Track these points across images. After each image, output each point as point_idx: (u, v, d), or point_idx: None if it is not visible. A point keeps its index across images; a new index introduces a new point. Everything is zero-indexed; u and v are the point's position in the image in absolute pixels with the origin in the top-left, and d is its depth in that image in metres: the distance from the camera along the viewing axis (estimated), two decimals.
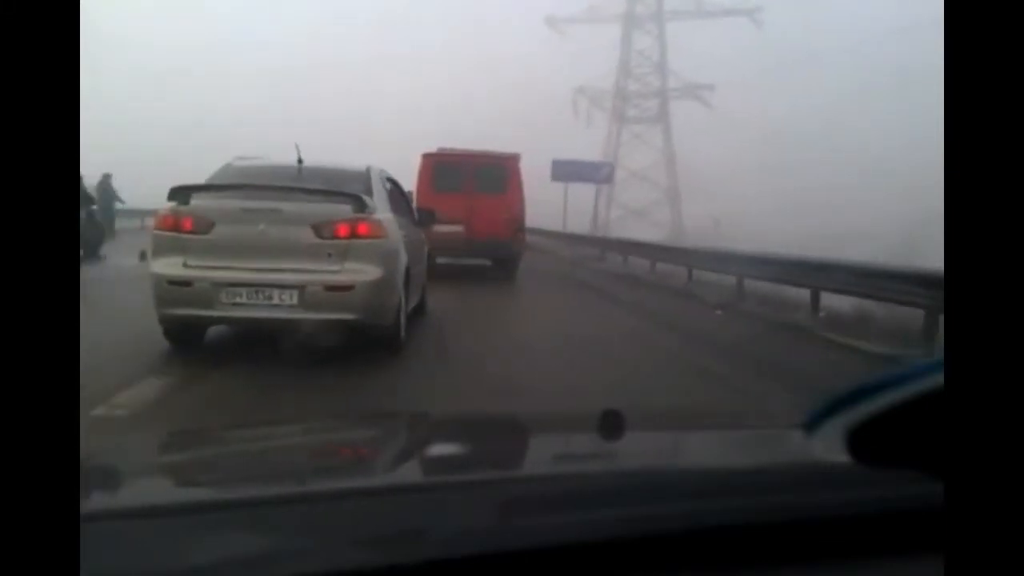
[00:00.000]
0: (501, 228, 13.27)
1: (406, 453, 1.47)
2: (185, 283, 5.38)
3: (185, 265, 5.42)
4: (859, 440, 0.63)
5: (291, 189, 5.68)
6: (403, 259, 6.14)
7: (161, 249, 5.54)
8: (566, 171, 34.48)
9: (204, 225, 5.46)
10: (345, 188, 5.77)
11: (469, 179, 13.49)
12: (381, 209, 5.96)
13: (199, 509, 0.93)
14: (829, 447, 0.64)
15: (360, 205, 5.60)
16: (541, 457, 1.36)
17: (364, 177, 6.30)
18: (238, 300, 5.35)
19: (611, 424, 1.22)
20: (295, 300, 5.37)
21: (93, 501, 0.95)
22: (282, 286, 5.37)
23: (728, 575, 0.80)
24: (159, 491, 1.13)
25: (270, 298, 5.38)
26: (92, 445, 1.15)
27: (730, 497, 0.89)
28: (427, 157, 14.06)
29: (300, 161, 6.15)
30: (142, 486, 1.18)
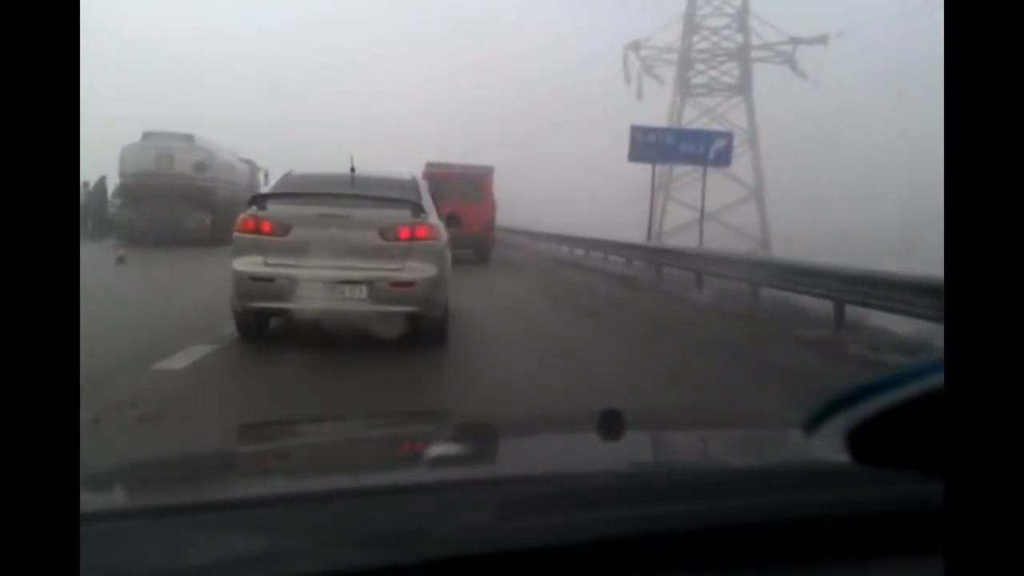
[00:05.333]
0: (480, 227, 16.73)
1: (406, 453, 1.47)
2: (267, 279, 6.06)
3: (266, 263, 6.10)
4: (859, 440, 0.62)
5: (357, 196, 6.31)
6: (449, 258, 6.92)
7: (243, 249, 6.22)
8: (652, 145, 21.81)
9: (282, 228, 6.15)
10: (399, 195, 6.50)
11: (454, 190, 16.26)
12: (431, 214, 6.68)
13: (199, 509, 0.93)
14: (829, 447, 0.64)
15: (417, 210, 6.36)
16: (541, 457, 1.37)
17: (413, 184, 7.06)
18: (314, 294, 6.02)
19: (611, 424, 1.22)
20: (364, 294, 6.06)
21: (93, 501, 0.94)
22: (353, 282, 6.05)
23: (728, 575, 0.80)
24: (159, 491, 1.13)
25: (342, 292, 6.05)
26: (92, 445, 1.15)
27: (730, 497, 0.90)
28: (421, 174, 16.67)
29: (352, 170, 6.70)
30: (142, 486, 1.18)
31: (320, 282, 6.03)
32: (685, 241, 22.86)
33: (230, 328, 6.49)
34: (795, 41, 39.89)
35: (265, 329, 6.53)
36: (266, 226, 6.17)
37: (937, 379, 0.59)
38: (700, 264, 13.79)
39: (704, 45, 42.65)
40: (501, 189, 20.77)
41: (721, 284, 12.47)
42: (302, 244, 6.09)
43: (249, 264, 6.13)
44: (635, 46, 41.80)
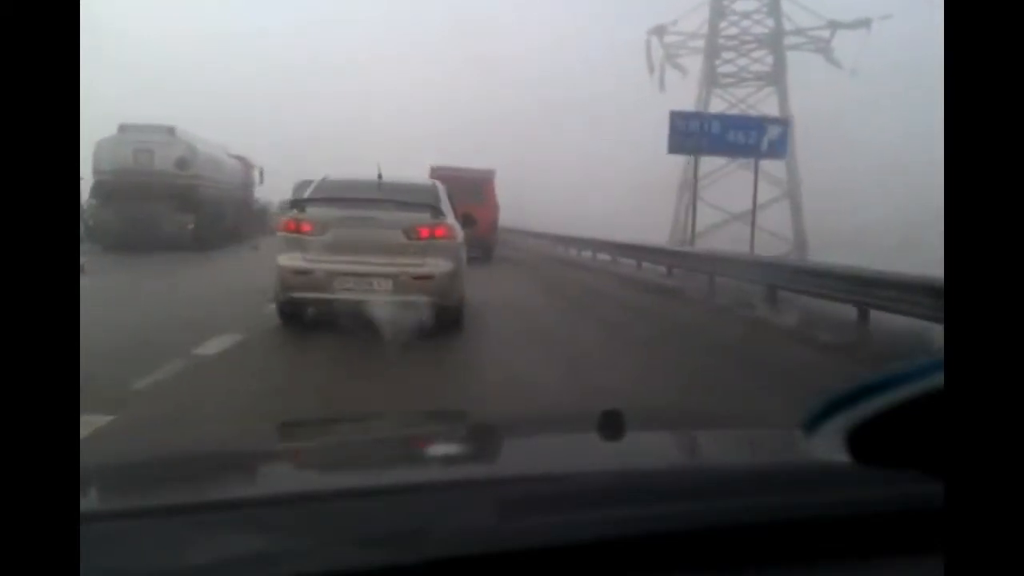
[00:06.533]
0: (483, 228, 16.50)
1: (406, 453, 1.47)
2: (306, 272, 7.03)
3: (305, 259, 7.07)
4: (859, 440, 0.62)
5: (384, 200, 7.27)
6: (464, 255, 7.91)
7: (285, 246, 7.23)
8: (695, 134, 18.61)
9: (320, 228, 7.12)
10: (421, 199, 7.51)
11: (458, 192, 16.30)
12: (448, 216, 7.64)
13: (199, 509, 0.93)
14: (829, 447, 0.64)
15: (436, 213, 7.36)
16: (541, 457, 1.37)
17: (433, 190, 8.06)
18: (347, 286, 7.00)
19: (611, 424, 1.22)
20: (390, 286, 7.02)
21: (93, 501, 0.95)
22: (380, 275, 7.02)
23: (728, 575, 0.80)
24: (159, 491, 1.13)
25: (371, 284, 7.02)
26: (92, 446, 1.15)
27: (730, 497, 0.90)
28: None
29: (380, 176, 7.58)
30: (142, 486, 1.18)
31: (352, 275, 7.00)
32: (712, 244, 20.16)
33: (145, 380, 4.95)
34: (834, 25, 35.60)
35: (303, 317, 7.43)
36: (306, 226, 7.15)
37: (937, 379, 0.59)
38: (777, 276, 10.80)
39: (732, 31, 38.50)
40: (511, 191, 21.18)
41: (803, 301, 9.78)
42: (336, 242, 7.05)
43: (291, 259, 7.10)
44: (659, 31, 37.69)
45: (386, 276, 7.02)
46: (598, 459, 1.24)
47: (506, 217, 23.10)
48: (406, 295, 6.99)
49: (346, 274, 7.01)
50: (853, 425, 0.62)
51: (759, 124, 20.38)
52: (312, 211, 7.31)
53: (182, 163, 20.12)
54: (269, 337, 7.11)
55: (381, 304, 6.85)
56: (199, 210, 20.12)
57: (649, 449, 1.41)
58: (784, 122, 21.10)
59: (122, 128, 20.31)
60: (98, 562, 0.72)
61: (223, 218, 22.36)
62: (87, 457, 0.81)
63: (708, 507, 0.86)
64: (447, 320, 7.20)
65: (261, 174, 27.81)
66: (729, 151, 20.54)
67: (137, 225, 18.83)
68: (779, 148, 19.78)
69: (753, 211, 19.90)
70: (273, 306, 7.47)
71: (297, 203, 7.59)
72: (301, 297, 7.20)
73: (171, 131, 20.44)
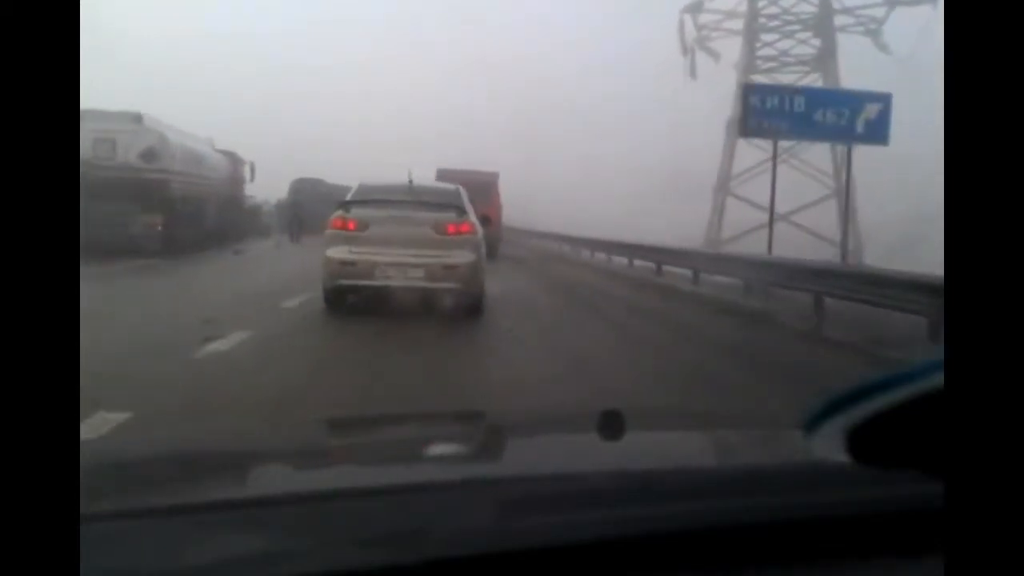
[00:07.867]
0: (489, 226, 17.35)
1: (407, 453, 1.47)
2: (351, 263, 8.34)
3: (350, 251, 8.38)
4: (859, 440, 0.62)
5: (416, 202, 8.67)
6: (484, 248, 9.11)
7: (334, 241, 8.51)
8: (775, 113, 15.22)
9: (363, 225, 8.42)
10: (447, 200, 8.94)
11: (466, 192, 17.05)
12: (471, 215, 8.95)
13: (199, 509, 0.93)
14: (829, 447, 0.64)
15: (461, 212, 8.75)
16: (541, 457, 1.37)
17: (457, 193, 9.38)
18: (386, 274, 8.30)
19: (611, 424, 1.23)
20: (422, 275, 8.33)
21: (93, 501, 0.94)
22: (414, 265, 8.29)
23: (728, 575, 0.80)
24: (159, 491, 1.13)
25: (405, 273, 8.31)
26: (92, 445, 1.15)
27: (730, 497, 0.90)
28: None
29: (411, 181, 9.01)
30: (142, 486, 1.18)
31: (390, 265, 8.28)
32: (749, 248, 17.18)
33: None
34: (892, 2, 31.52)
35: (344, 302, 8.61)
36: (351, 224, 8.45)
37: (937, 379, 0.58)
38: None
39: (773, 10, 34.14)
40: (517, 191, 22.32)
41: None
42: (377, 237, 8.34)
43: (338, 252, 8.40)
44: (694, 9, 33.73)
45: (419, 266, 8.28)
46: (598, 459, 1.24)
47: (513, 217, 23.80)
48: (436, 282, 8.36)
49: (385, 264, 8.29)
50: (853, 425, 0.62)
51: (856, 100, 16.01)
52: (355, 211, 8.58)
53: (149, 155, 17.41)
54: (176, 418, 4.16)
55: (415, 289, 8.37)
56: (170, 209, 17.61)
57: (649, 449, 1.41)
58: (885, 98, 16.05)
59: (81, 114, 17.55)
60: (98, 562, 0.72)
61: (201, 218, 20.12)
62: (87, 457, 0.81)
63: (708, 507, 0.86)
64: (470, 304, 8.47)
65: (252, 170, 25.84)
66: (816, 134, 16.68)
67: (98, 227, 15.25)
68: (879, 130, 15.66)
69: (846, 208, 17.42)
70: (210, 348, 6.15)
71: (343, 204, 8.85)
72: (346, 284, 8.45)
73: (137, 119, 17.59)
